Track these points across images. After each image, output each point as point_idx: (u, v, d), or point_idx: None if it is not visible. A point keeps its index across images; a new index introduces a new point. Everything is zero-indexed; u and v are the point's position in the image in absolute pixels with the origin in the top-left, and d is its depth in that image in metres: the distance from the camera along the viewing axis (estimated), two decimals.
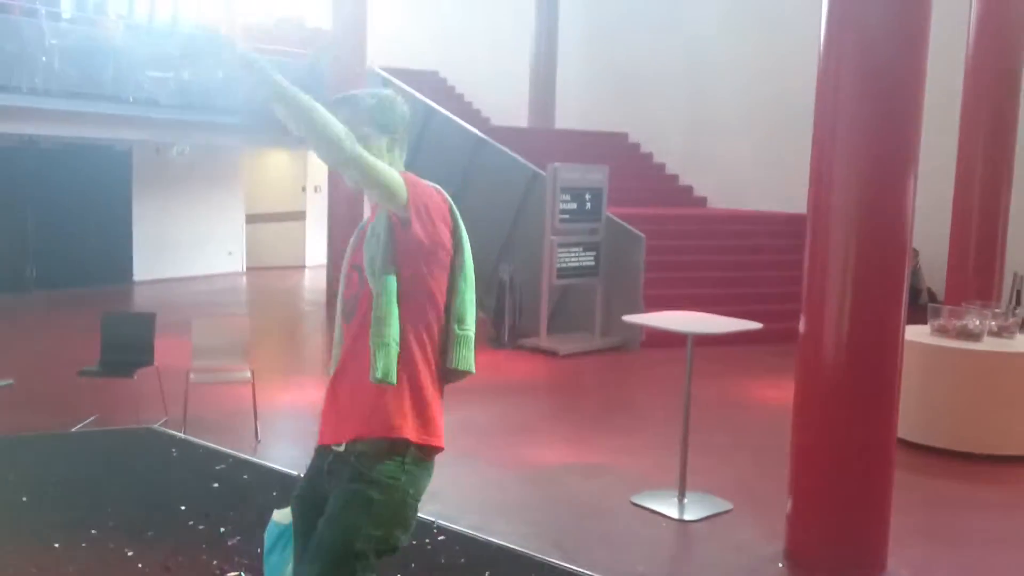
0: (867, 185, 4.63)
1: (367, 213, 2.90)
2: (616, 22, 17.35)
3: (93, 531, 5.00)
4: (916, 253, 11.87)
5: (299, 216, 19.63)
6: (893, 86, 4.57)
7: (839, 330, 4.69)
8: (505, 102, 18.38)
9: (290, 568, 2.81)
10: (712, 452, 6.63)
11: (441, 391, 2.82)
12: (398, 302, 2.64)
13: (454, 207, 2.80)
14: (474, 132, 13.23)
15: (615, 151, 15.94)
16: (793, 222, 12.03)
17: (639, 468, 6.45)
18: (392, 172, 2.63)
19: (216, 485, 5.85)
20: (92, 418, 7.22)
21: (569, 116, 17.47)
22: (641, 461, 6.62)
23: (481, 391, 8.15)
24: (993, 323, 7.33)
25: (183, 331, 7.32)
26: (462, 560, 4.81)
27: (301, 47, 16.08)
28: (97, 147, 15.69)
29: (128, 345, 7.26)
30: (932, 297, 11.71)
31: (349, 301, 2.80)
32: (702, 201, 15.99)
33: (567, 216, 10.83)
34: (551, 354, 10.41)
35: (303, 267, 19.34)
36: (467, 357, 2.80)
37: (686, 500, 5.70)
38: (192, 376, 6.91)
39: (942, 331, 7.31)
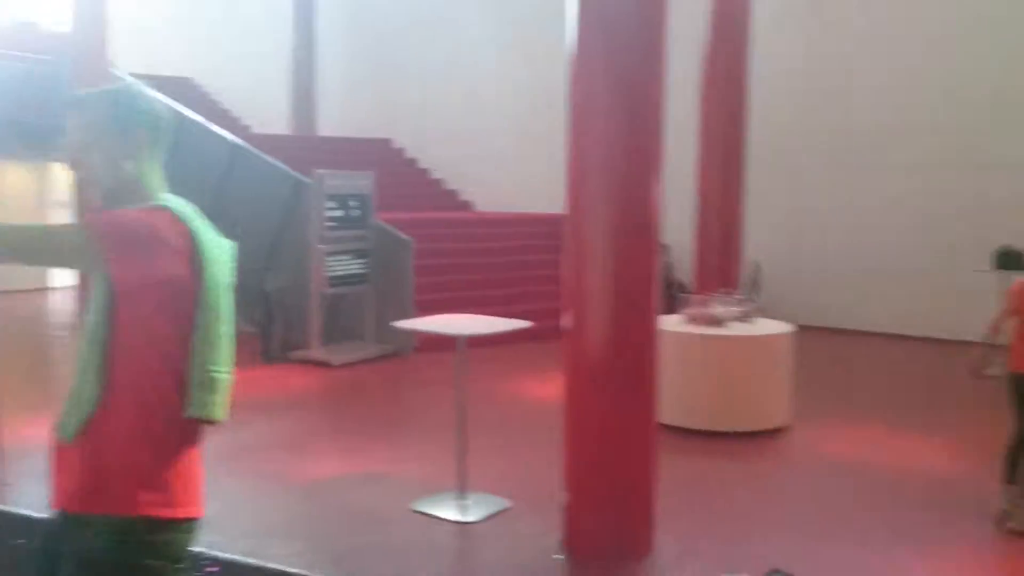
0: (617, 186, 4.87)
1: None
2: (378, 27, 17.29)
3: None
4: (667, 248, 12.66)
5: None
6: (638, 89, 4.84)
7: (599, 324, 4.90)
8: (266, 110, 17.84)
9: None
10: (491, 452, 6.72)
11: (193, 445, 2.42)
12: (112, 350, 2.30)
13: (195, 230, 2.39)
14: (230, 139, 12.72)
15: (379, 157, 15.89)
16: (557, 222, 12.45)
17: (419, 474, 6.43)
18: (49, 228, 2.33)
19: None
20: None
21: (332, 123, 17.22)
22: (420, 467, 6.60)
23: (252, 408, 7.84)
24: (736, 309, 7.94)
25: None
26: None
27: (40, 52, 14.81)
28: None
29: None
30: (683, 288, 12.53)
31: None
32: (468, 205, 16.25)
33: (334, 224, 10.65)
34: (324, 365, 10.19)
35: (48, 289, 17.81)
36: (210, 402, 2.35)
37: (467, 502, 5.74)
38: None
39: (693, 319, 7.83)
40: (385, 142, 16.92)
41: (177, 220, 2.38)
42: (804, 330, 8.71)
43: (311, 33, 17.05)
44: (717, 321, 7.74)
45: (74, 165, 2.49)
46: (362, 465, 6.69)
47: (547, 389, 8.72)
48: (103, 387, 2.29)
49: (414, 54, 16.73)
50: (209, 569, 4.73)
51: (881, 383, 9.90)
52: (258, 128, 17.29)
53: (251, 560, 4.90)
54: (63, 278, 16.33)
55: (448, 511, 5.64)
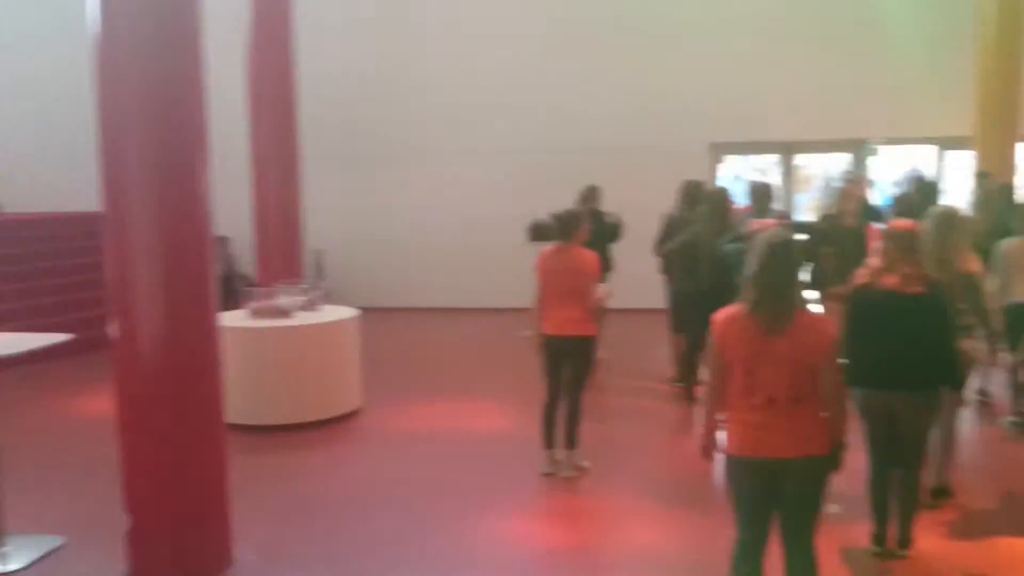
0: (159, 180, 4.45)
1: None
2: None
3: None
4: (226, 241, 12.14)
5: None
6: (175, 81, 4.46)
7: (150, 327, 4.47)
8: None
9: None
10: (36, 486, 5.89)
11: None
12: None
13: None
14: None
15: None
16: (95, 221, 11.31)
17: None
18: None
19: None
20: None
21: None
22: None
23: None
24: (301, 298, 7.81)
25: None
26: None
27: None
28: None
29: None
30: (246, 281, 12.11)
31: None
32: None
33: None
34: None
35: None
36: None
37: (6, 548, 4.95)
38: None
39: (258, 313, 7.55)
40: None
41: None
42: (370, 312, 8.86)
43: None
44: (283, 312, 7.56)
45: None
46: None
47: (98, 405, 7.87)
48: None
49: None
50: None
51: (445, 356, 10.44)
52: None
53: None
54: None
55: None
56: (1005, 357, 6.65)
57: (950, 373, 4.65)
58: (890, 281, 4.54)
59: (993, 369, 7.20)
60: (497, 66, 12.76)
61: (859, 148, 12.75)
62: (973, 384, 6.64)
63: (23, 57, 13.87)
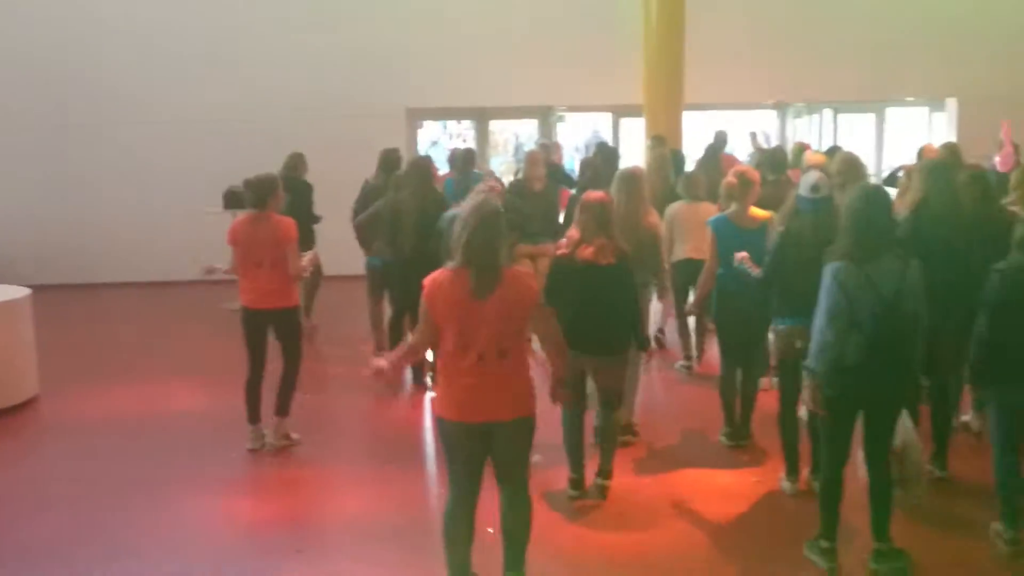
0: None
1: None
2: None
3: None
4: None
5: None
6: None
7: None
8: None
9: None
10: None
11: None
12: None
13: None
14: None
15: None
16: None
17: None
18: None
19: None
20: None
21: None
22: None
23: None
24: None
25: None
26: None
27: None
28: None
29: None
30: None
31: None
32: None
33: None
34: None
35: None
36: None
37: None
38: None
39: None
40: None
41: None
42: (45, 290, 8.02)
43: None
44: None
45: None
46: None
47: None
48: None
49: None
50: None
51: (135, 334, 9.63)
52: None
53: None
54: None
55: None
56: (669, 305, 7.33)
57: (638, 335, 5.14)
58: (586, 253, 4.87)
59: (668, 319, 7.93)
60: (182, 29, 11.94)
61: (547, 115, 13.42)
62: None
63: None
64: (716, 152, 9.76)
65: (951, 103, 13.23)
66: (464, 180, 8.12)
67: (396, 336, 7.78)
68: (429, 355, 4.66)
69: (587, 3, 12.23)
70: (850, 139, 13.32)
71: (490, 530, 4.12)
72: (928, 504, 4.75)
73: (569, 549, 4.56)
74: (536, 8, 12.31)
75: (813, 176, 4.84)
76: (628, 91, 11.80)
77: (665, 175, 8.26)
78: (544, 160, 9.40)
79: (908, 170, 6.22)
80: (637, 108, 11.82)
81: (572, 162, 12.61)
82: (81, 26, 11.83)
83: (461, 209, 5.52)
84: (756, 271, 5.04)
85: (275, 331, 5.93)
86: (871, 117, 14.24)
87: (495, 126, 14.26)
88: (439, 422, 3.89)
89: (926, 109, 14.09)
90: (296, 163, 8.84)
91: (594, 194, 5.12)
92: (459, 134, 15.06)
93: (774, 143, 13.46)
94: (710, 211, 7.03)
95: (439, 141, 15.32)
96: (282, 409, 5.99)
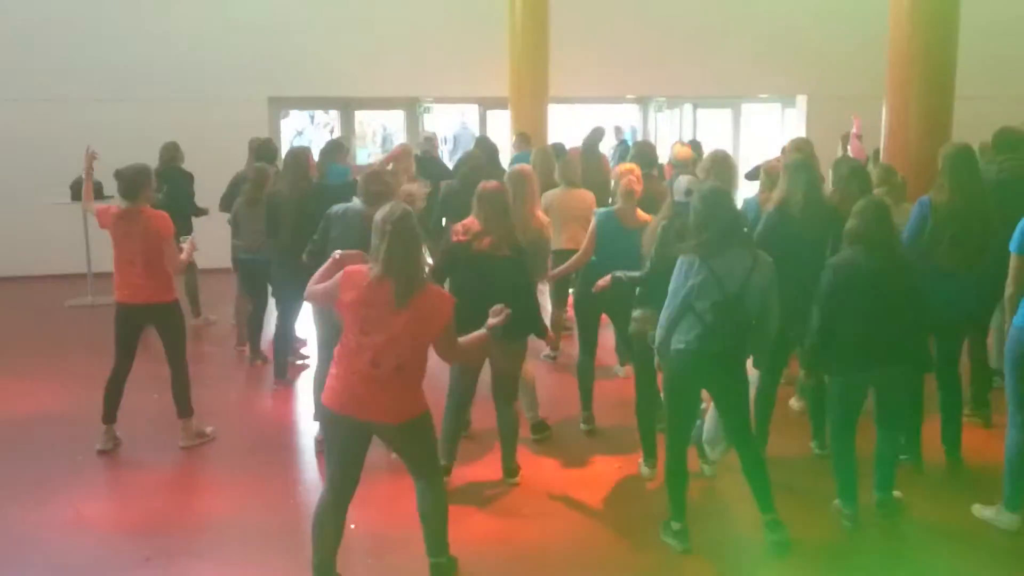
0: None
1: None
2: None
3: None
4: None
5: None
6: None
7: None
8: None
9: None
10: None
11: None
12: None
13: None
14: None
15: None
16: None
17: None
18: None
19: None
20: None
21: None
22: None
23: None
24: None
25: None
26: None
27: None
28: None
29: None
30: None
31: None
32: None
33: None
34: None
35: None
36: None
37: None
38: None
39: None
40: None
41: None
42: None
43: None
44: None
45: None
46: None
47: None
48: None
49: None
50: None
51: None
52: None
53: None
54: None
55: None
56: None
57: (535, 324, 5.17)
58: (484, 244, 4.85)
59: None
60: (32, 7, 11.23)
61: (413, 106, 13.31)
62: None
63: None
64: (595, 144, 9.83)
65: (801, 100, 13.89)
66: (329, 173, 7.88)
67: (256, 329, 7.61)
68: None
69: None
70: (709, 134, 13.78)
71: (352, 526, 4.06)
72: (788, 481, 4.94)
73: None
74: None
75: (685, 180, 4.99)
76: (494, 84, 11.84)
77: (546, 169, 8.15)
78: (427, 153, 9.36)
79: (770, 166, 6.42)
80: (504, 100, 11.87)
81: (442, 155, 12.56)
82: None
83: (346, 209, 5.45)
84: (623, 275, 5.14)
85: (155, 328, 5.67)
86: (728, 113, 14.78)
87: (361, 116, 14.06)
88: (324, 411, 3.83)
89: (779, 106, 14.74)
90: (173, 153, 8.49)
91: (490, 184, 5.09)
92: (327, 124, 14.80)
93: (639, 137, 13.81)
94: (586, 198, 7.17)
95: (304, 131, 15.02)
96: (184, 411, 5.74)
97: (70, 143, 10.49)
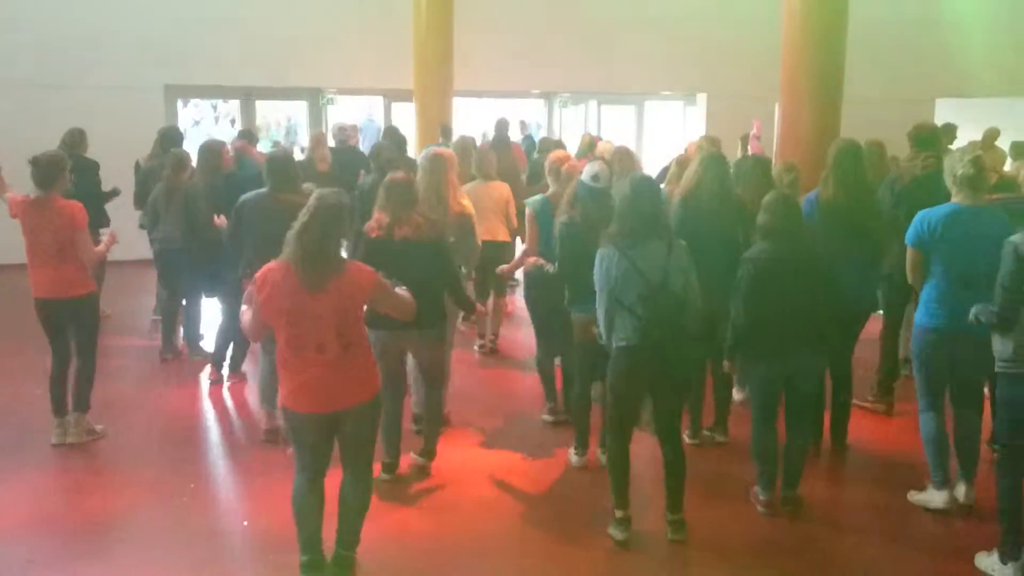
0: None
1: None
2: None
3: None
4: None
5: None
6: None
7: None
8: None
9: None
10: None
11: None
12: None
13: None
14: None
15: None
16: None
17: None
18: None
19: None
20: None
21: None
22: None
23: None
24: None
25: None
26: None
27: None
28: None
29: None
30: None
31: None
32: None
33: None
34: None
35: None
36: None
37: None
38: None
39: None
40: None
41: None
42: None
43: None
44: None
45: None
46: None
47: None
48: None
49: None
50: None
51: None
52: None
53: None
54: None
55: None
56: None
57: (463, 300, 5.13)
58: (404, 232, 4.73)
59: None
60: None
61: (316, 97, 13.06)
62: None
63: None
64: (504, 135, 9.81)
65: (702, 98, 14.21)
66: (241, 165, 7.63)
67: (171, 323, 7.34)
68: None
69: None
70: (613, 130, 13.97)
71: (245, 523, 3.96)
72: (709, 469, 5.07)
73: (372, 534, 4.38)
74: None
75: (596, 166, 4.94)
76: (400, 76, 11.72)
77: (467, 160, 8.08)
78: (342, 143, 9.15)
79: (682, 157, 6.51)
80: (409, 93, 11.76)
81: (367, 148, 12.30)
82: None
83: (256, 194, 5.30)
84: (550, 267, 5.15)
85: (69, 321, 5.41)
86: (632, 109, 15.01)
87: (263, 107, 13.72)
88: (287, 413, 3.79)
89: (681, 104, 15.05)
90: (77, 139, 7.89)
91: (397, 175, 4.98)
92: (227, 114, 14.41)
93: (544, 132, 13.89)
94: (502, 190, 7.16)
95: (201, 121, 14.59)
96: (81, 404, 5.51)
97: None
